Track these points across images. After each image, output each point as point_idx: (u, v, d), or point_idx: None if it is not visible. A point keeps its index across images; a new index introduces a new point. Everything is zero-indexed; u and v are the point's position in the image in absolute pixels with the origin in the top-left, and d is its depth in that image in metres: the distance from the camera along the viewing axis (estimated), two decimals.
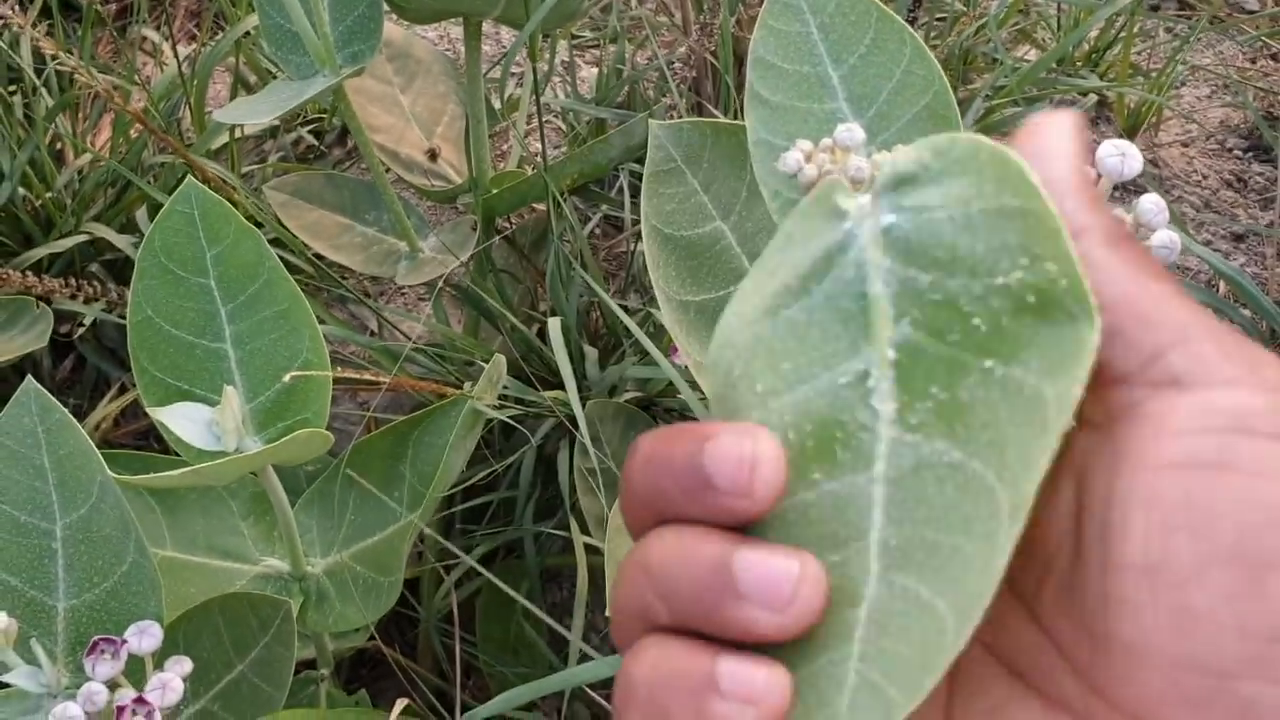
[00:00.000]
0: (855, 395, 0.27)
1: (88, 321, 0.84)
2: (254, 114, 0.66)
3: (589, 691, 0.79)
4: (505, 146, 1.04)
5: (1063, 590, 0.26)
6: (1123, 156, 0.40)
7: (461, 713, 0.79)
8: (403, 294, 1.02)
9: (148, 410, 0.57)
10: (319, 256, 0.87)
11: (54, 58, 0.59)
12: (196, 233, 0.57)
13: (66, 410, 0.50)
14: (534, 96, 0.82)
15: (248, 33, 0.94)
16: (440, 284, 0.87)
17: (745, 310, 0.29)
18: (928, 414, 0.27)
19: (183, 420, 0.56)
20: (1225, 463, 0.23)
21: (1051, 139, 0.28)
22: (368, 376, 0.45)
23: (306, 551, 0.69)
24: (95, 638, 0.49)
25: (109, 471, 0.50)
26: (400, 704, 0.63)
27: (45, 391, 0.50)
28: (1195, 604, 0.22)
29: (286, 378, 0.52)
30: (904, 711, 0.25)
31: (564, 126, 1.00)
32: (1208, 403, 0.23)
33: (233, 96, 0.98)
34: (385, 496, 0.69)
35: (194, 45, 0.93)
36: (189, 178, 0.56)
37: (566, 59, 1.04)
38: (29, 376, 0.51)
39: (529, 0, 0.69)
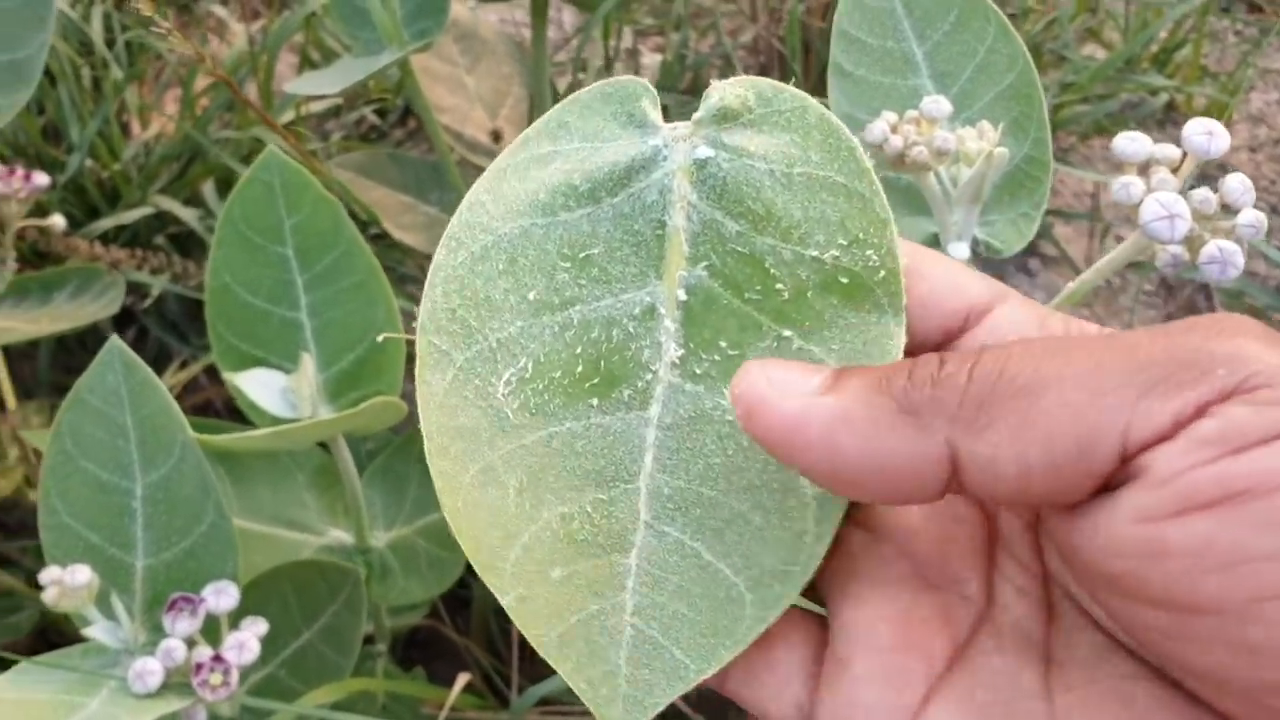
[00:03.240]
0: (639, 329, 0.26)
1: (155, 293, 0.85)
2: (323, 86, 0.67)
3: None
4: None
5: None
6: (1209, 135, 0.39)
7: (518, 693, 0.79)
8: None
9: (224, 375, 0.58)
10: (381, 235, 0.88)
11: (146, 23, 0.60)
12: (276, 201, 0.57)
13: (150, 370, 0.51)
14: (615, 72, 0.83)
15: (314, 12, 0.95)
16: None
17: (507, 192, 0.27)
18: (714, 367, 0.26)
19: (259, 386, 0.56)
20: (1226, 496, 0.21)
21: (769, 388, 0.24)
22: None
23: (370, 525, 0.70)
24: (174, 595, 0.50)
25: (191, 432, 0.51)
26: (462, 679, 0.63)
27: (130, 351, 0.51)
28: (1256, 640, 0.20)
29: (380, 338, 0.52)
30: (695, 678, 0.24)
31: None
32: (1190, 439, 0.21)
33: (299, 74, 0.99)
34: None
35: (259, 22, 0.94)
36: (270, 147, 0.56)
37: (630, 46, 1.04)
38: (114, 336, 0.51)
39: None
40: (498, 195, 0.27)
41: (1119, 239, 1.03)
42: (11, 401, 0.84)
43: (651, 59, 1.09)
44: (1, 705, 0.48)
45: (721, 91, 0.27)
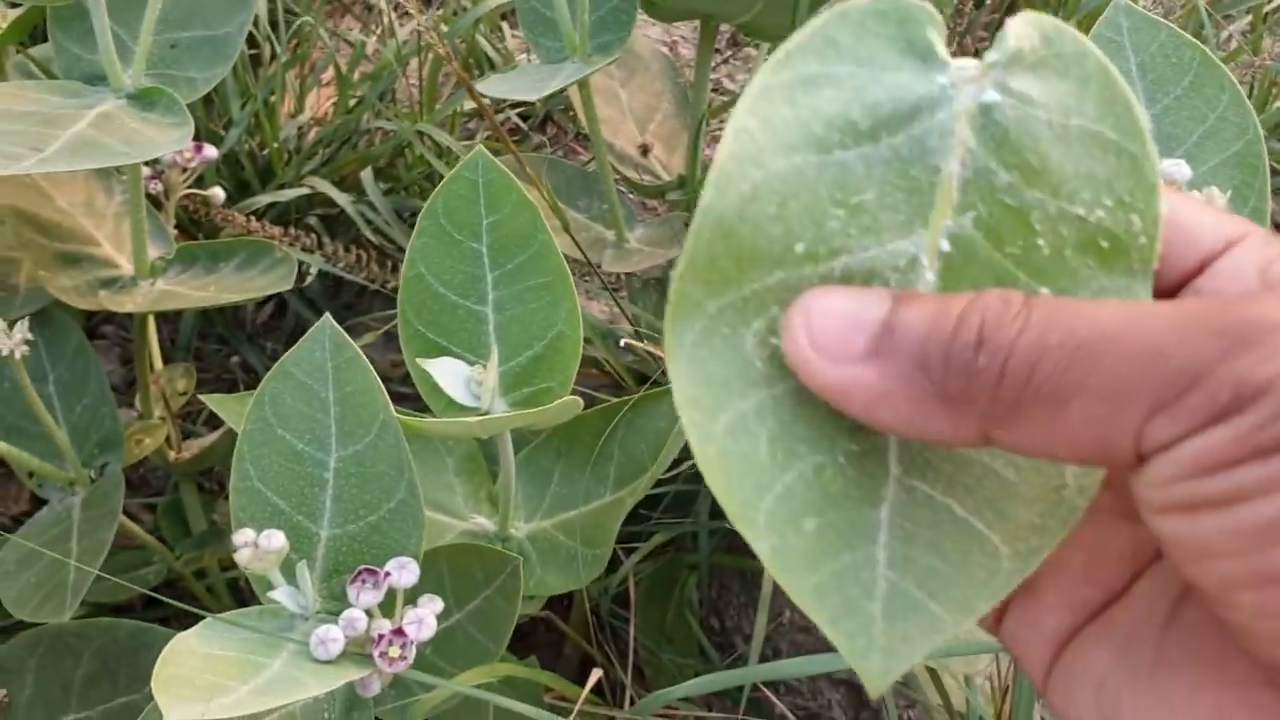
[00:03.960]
0: (900, 281, 0.25)
1: (314, 272, 0.88)
2: (519, 91, 0.69)
3: (763, 689, 0.80)
4: (710, 152, 1.06)
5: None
6: None
7: (623, 693, 0.81)
8: (586, 281, 1.04)
9: (409, 360, 0.60)
10: None
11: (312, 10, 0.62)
12: (477, 199, 0.59)
13: (358, 350, 0.53)
14: None
15: (478, 17, 0.97)
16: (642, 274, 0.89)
17: (776, 119, 0.25)
18: None
19: (446, 374, 0.58)
20: (1198, 506, 0.22)
21: (832, 325, 0.25)
22: (649, 347, 0.48)
23: (511, 515, 0.71)
24: (360, 568, 0.52)
25: (393, 412, 0.53)
26: (595, 674, 0.65)
27: (340, 329, 0.53)
28: (1235, 622, 0.23)
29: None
30: (952, 631, 0.24)
31: None
32: (1176, 456, 0.22)
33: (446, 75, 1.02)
34: (592, 472, 0.72)
35: (418, 19, 0.97)
36: (480, 146, 0.58)
37: None
38: (326, 315, 0.53)
39: (796, 7, 0.71)
40: (765, 122, 0.25)
41: None
42: (159, 363, 0.87)
43: None
44: (192, 658, 0.50)
45: (1016, 31, 0.25)
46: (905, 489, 0.25)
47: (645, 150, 0.94)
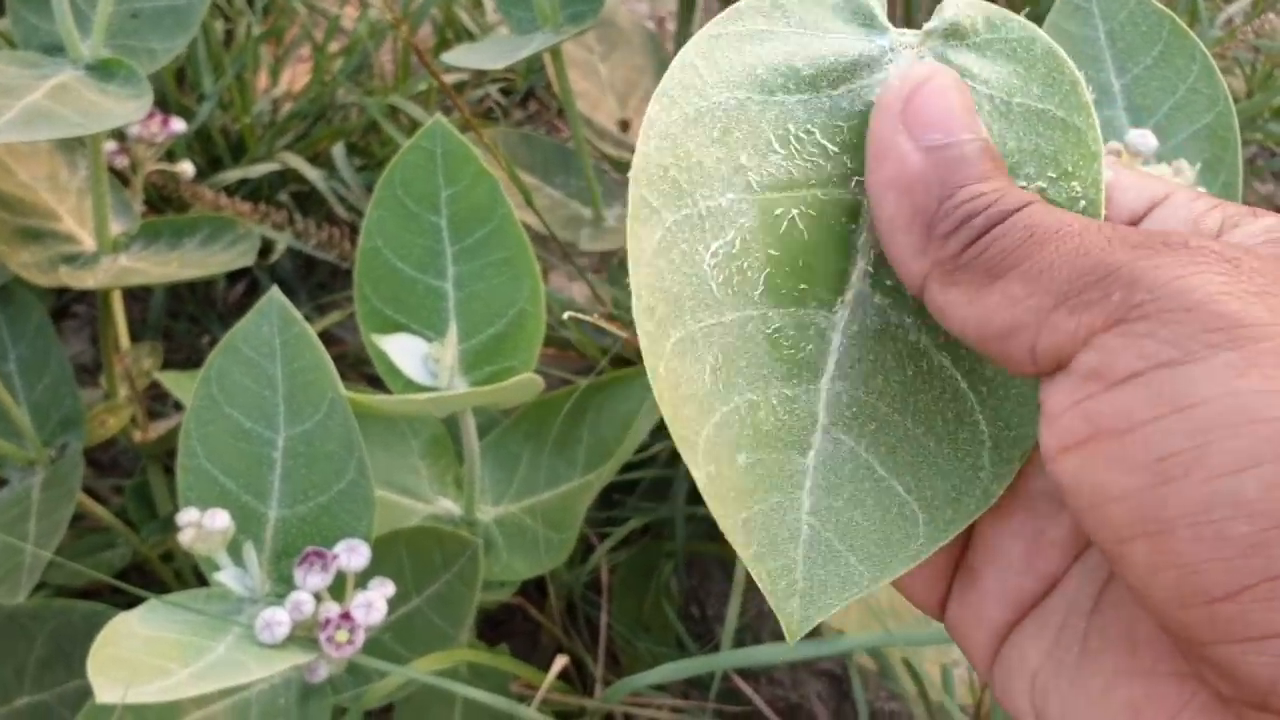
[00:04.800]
0: (840, 230, 0.26)
1: (280, 248, 0.86)
2: (483, 61, 0.67)
3: (734, 677, 0.78)
4: None
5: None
6: None
7: (602, 682, 0.79)
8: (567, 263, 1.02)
9: (365, 337, 0.58)
10: None
11: None
12: (435, 170, 0.58)
13: (307, 324, 0.51)
14: None
15: None
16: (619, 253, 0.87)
17: (721, 61, 0.26)
18: (898, 287, 0.26)
19: (401, 351, 0.57)
20: (1095, 433, 0.21)
21: (943, 99, 0.25)
22: (605, 324, 0.46)
23: (478, 499, 0.70)
24: (308, 549, 0.50)
25: (342, 390, 0.51)
26: (559, 661, 0.63)
27: (288, 304, 0.52)
28: (1135, 583, 0.21)
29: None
30: (868, 587, 0.25)
31: None
32: (1075, 372, 0.22)
33: (437, 46, 1.00)
34: (560, 456, 0.70)
35: None
36: (438, 116, 0.57)
37: None
38: (274, 288, 0.52)
39: None
40: (711, 61, 0.26)
41: None
42: (125, 342, 0.85)
43: None
44: (132, 641, 0.49)
45: (956, 7, 0.27)
46: (832, 440, 0.26)
47: (625, 126, 0.92)
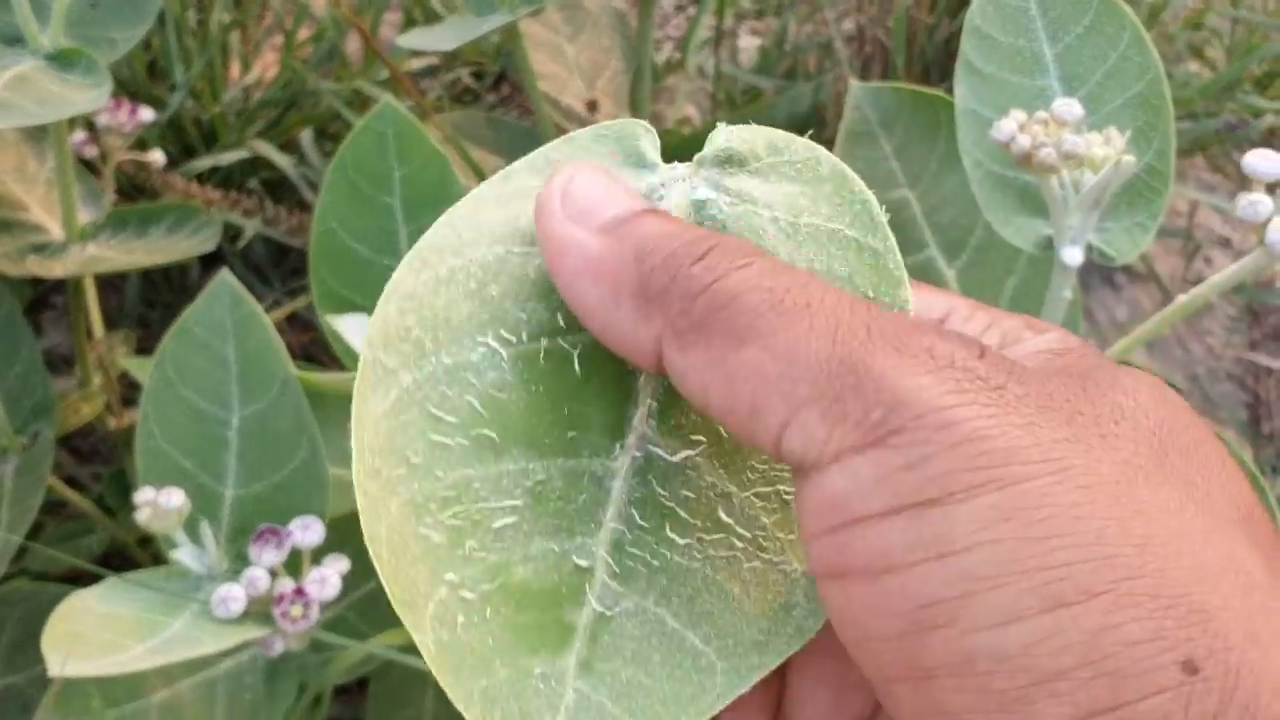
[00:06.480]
0: (619, 372, 0.24)
1: (249, 235, 0.86)
2: (436, 42, 0.67)
3: None
4: (658, 107, 1.05)
5: None
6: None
7: None
8: None
9: (322, 318, 0.59)
10: None
11: None
12: (387, 152, 0.58)
13: (258, 305, 0.52)
14: (711, 52, 0.83)
15: None
16: None
17: (485, 219, 0.25)
18: (693, 422, 0.24)
19: (356, 331, 0.57)
20: (851, 569, 0.20)
21: (595, 184, 0.24)
22: None
23: None
24: (262, 527, 0.51)
25: (293, 369, 0.52)
26: None
27: (239, 284, 0.52)
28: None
29: None
30: None
31: (721, 96, 1.01)
32: (820, 494, 0.20)
33: (405, 29, 1.00)
34: None
35: None
36: (387, 98, 0.57)
37: (730, 27, 1.04)
38: (224, 270, 0.52)
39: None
40: (472, 221, 0.25)
41: (1208, 261, 1.02)
42: (99, 330, 0.86)
43: (749, 42, 1.09)
44: (89, 618, 0.49)
45: (728, 134, 0.25)
46: (612, 594, 0.23)
47: (593, 106, 0.92)
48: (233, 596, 0.50)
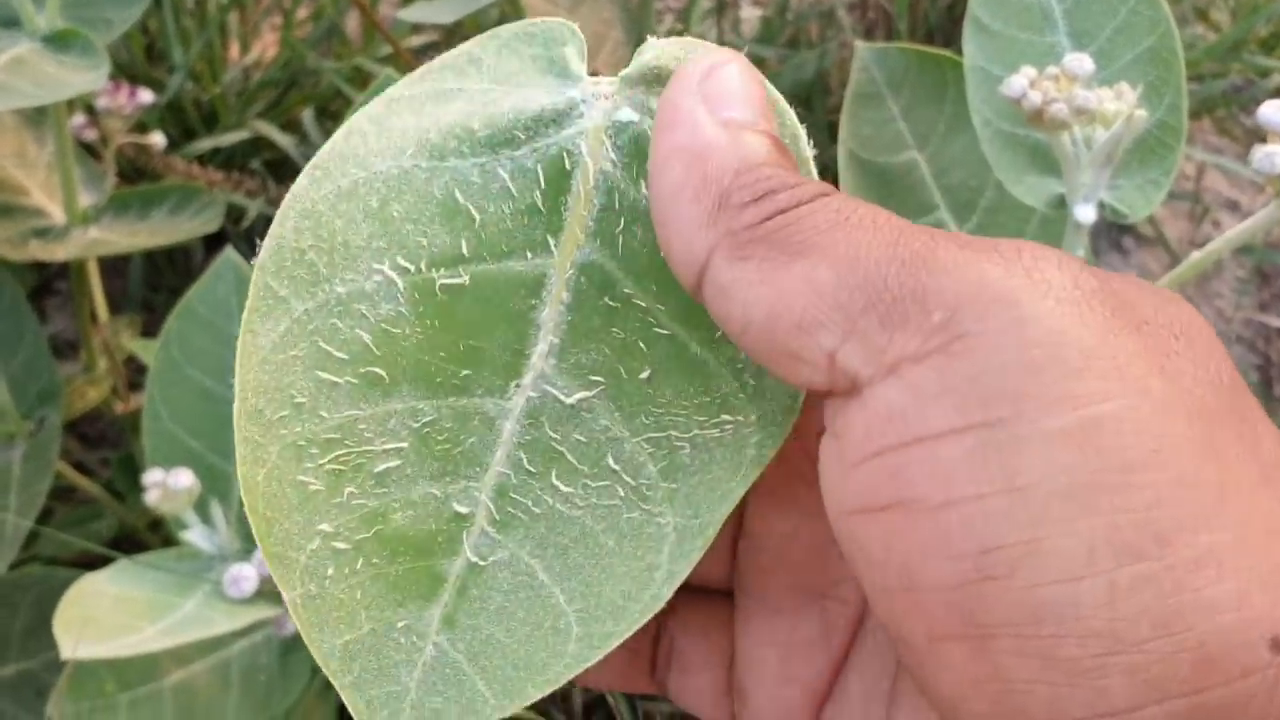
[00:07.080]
0: (520, 306, 0.23)
1: (252, 215, 0.86)
2: (437, 14, 0.67)
3: None
4: None
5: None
6: None
7: None
8: None
9: None
10: None
11: None
12: None
13: None
14: (714, 22, 0.82)
15: None
16: None
17: (395, 126, 0.23)
18: (594, 363, 0.23)
19: None
20: (903, 499, 0.17)
21: (745, 84, 0.22)
22: None
23: None
24: None
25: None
26: None
27: (243, 262, 0.52)
28: (948, 691, 0.18)
29: None
30: (491, 715, 0.22)
31: None
32: (870, 411, 0.18)
33: (407, 3, 0.99)
34: None
35: None
36: (388, 71, 0.57)
37: None
38: (227, 248, 0.52)
39: None
40: (382, 128, 0.23)
41: (1215, 224, 1.01)
42: (104, 314, 0.86)
43: (751, 12, 1.08)
44: (101, 601, 0.49)
45: (656, 49, 0.23)
46: (489, 543, 0.22)
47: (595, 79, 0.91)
48: (245, 576, 0.50)
